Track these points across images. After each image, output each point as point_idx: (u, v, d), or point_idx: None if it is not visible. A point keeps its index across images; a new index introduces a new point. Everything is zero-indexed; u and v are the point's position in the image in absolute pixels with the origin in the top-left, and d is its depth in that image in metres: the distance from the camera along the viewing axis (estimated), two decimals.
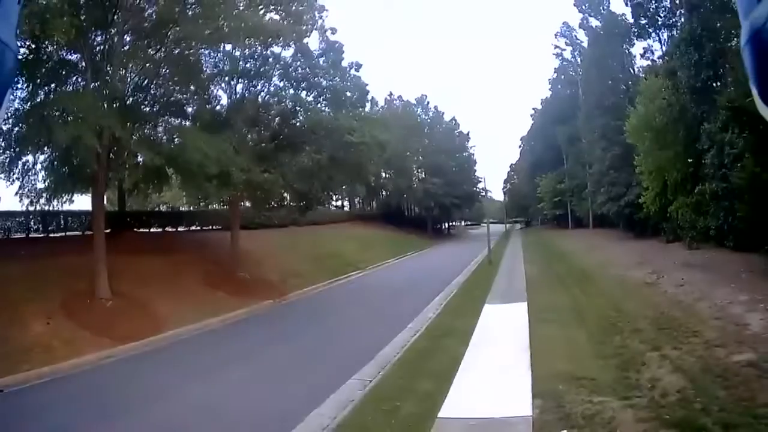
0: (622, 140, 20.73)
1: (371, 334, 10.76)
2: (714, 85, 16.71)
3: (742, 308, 9.70)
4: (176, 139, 13.18)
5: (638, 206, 20.60)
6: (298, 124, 16.75)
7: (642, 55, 23.80)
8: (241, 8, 13.95)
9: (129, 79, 15.07)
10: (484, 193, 38.83)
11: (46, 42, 11.68)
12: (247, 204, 19.96)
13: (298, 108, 16.28)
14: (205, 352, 10.35)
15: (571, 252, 23.70)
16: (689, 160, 17.36)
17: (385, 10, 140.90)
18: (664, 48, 21.64)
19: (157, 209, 26.34)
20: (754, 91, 0.60)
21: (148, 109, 14.84)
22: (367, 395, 7.11)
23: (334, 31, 16.50)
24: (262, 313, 14.69)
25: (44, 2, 10.28)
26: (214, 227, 22.69)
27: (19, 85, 13.85)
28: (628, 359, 7.65)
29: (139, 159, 13.96)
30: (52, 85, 13.70)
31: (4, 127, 13.71)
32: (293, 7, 15.51)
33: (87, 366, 9.33)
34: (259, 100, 16.91)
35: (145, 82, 15.52)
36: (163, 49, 14.49)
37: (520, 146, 59.79)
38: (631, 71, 24.58)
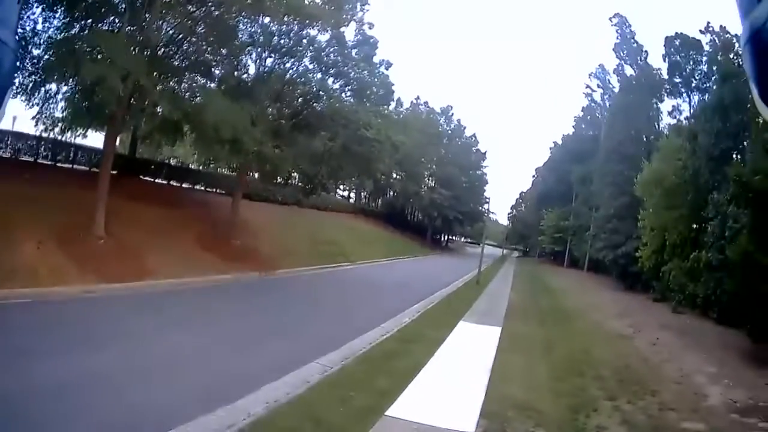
0: (631, 191, 20.80)
1: (344, 325, 10.97)
2: (733, 156, 16.78)
3: (706, 379, 9.80)
4: (197, 98, 13.37)
5: (634, 259, 20.66)
6: (319, 108, 16.93)
7: (669, 113, 23.93)
8: None
9: (164, 31, 15.36)
10: (487, 214, 38.64)
11: None
12: (255, 175, 20.23)
13: (321, 93, 16.44)
14: (177, 307, 10.60)
15: (559, 290, 23.79)
16: (692, 225, 17.43)
17: (426, 16, 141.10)
18: (691, 110, 21.70)
19: (167, 162, 26.66)
20: (754, 91, 0.60)
21: (177, 63, 15.10)
22: (323, 380, 7.32)
23: (371, 25, 16.76)
24: (244, 282, 14.93)
25: None
26: (218, 191, 22.99)
27: (57, 14, 14.25)
28: (582, 402, 7.77)
29: (159, 109, 14.22)
30: (89, 21, 14.02)
31: (34, 52, 14.04)
32: None
33: (66, 296, 9.58)
34: (287, 77, 17.16)
35: (180, 36, 15.83)
36: (202, 8, 14.76)
37: (533, 176, 59.91)
38: (656, 126, 24.61)
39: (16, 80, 13.84)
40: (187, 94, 14.51)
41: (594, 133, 34.20)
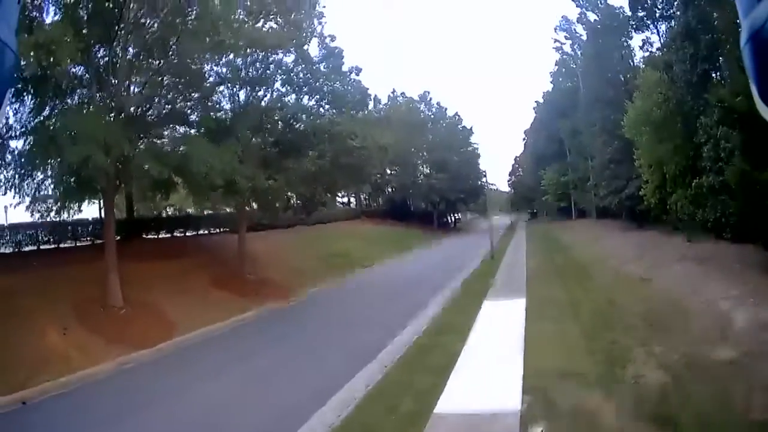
0: (621, 134, 20.81)
1: (373, 332, 11.26)
2: (713, 77, 16.77)
3: (731, 303, 9.96)
4: (182, 149, 13.61)
5: (639, 199, 20.74)
6: (300, 128, 17.13)
7: (641, 47, 23.75)
8: (241, 19, 14.26)
9: (133, 91, 15.53)
10: (486, 187, 38.84)
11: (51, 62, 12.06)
12: (254, 206, 20.45)
13: (298, 113, 16.64)
14: (209, 355, 10.81)
15: (572, 244, 23.95)
16: (688, 153, 17.46)
17: (385, 8, 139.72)
18: (661, 40, 21.59)
19: (165, 213, 26.94)
20: (754, 91, 0.61)
21: (152, 119, 15.30)
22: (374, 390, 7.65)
23: (333, 38, 16.87)
24: (267, 315, 15.18)
25: (48, 31, 10.62)
26: (221, 230, 23.30)
27: (26, 101, 14.44)
28: (616, 355, 8.03)
29: (147, 169, 14.40)
30: (58, 101, 14.19)
31: (12, 144, 14.21)
32: (292, 16, 15.86)
33: (102, 375, 9.61)
34: (263, 105, 17.34)
35: (150, 92, 16.00)
36: (165, 62, 14.90)
37: (524, 139, 59.74)
38: (631, 64, 24.49)
39: (1, 175, 14.02)
40: (170, 148, 14.66)
41: (572, 85, 34.07)
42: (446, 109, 48.58)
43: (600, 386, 6.86)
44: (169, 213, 27.33)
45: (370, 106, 43.33)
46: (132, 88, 15.66)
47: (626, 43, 24.50)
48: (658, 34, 22.37)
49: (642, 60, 24.07)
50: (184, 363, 10.37)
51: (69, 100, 14.64)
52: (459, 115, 49.41)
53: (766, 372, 6.73)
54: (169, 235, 21.38)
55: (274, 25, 15.52)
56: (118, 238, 18.49)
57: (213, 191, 13.73)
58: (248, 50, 15.40)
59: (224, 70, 16.76)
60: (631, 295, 11.77)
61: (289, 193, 16.79)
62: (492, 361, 8.39)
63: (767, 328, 8.37)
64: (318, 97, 17.99)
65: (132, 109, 15.39)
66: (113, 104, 14.20)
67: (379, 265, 24.70)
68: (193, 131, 16.90)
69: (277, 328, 13.00)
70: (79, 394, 8.57)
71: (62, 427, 7.28)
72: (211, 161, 12.58)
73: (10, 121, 14.89)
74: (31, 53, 10.42)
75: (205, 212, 23.89)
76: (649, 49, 23.01)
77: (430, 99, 47.99)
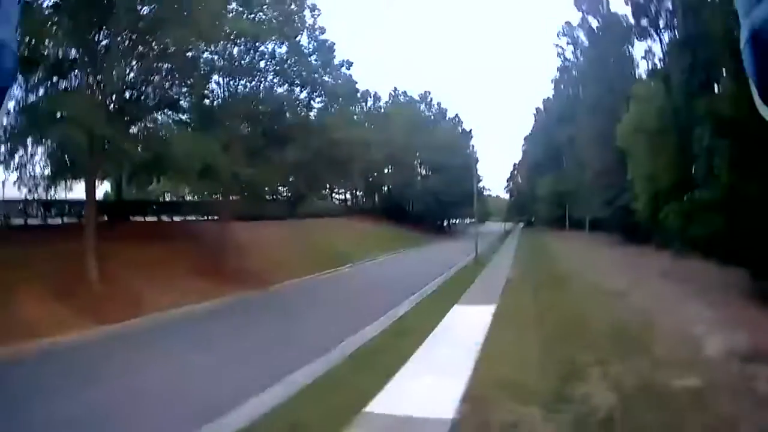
0: (616, 144, 20.44)
1: (332, 326, 11.19)
2: (710, 88, 16.36)
3: (705, 326, 9.60)
4: (162, 133, 13.60)
5: (631, 211, 20.36)
6: (288, 119, 17.03)
7: (643, 57, 23.28)
8: (230, 9, 14.17)
9: (124, 77, 15.56)
10: (482, 193, 38.51)
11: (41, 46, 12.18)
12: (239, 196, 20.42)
13: (286, 105, 16.54)
14: (176, 336, 10.92)
15: (559, 255, 23.61)
16: (681, 166, 17.07)
17: (389, 7, 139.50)
18: (663, 51, 21.13)
19: (159, 198, 27.10)
20: (754, 91, 0.60)
21: (138, 106, 15.31)
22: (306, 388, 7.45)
23: (322, 30, 16.71)
24: (242, 301, 15.20)
25: (39, 18, 10.65)
26: (209, 218, 23.27)
27: (15, 84, 14.57)
28: (569, 372, 7.72)
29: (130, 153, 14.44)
30: (47, 84, 14.32)
31: (4, 121, 14.44)
32: (285, 6, 15.72)
33: (69, 343, 9.99)
34: (252, 94, 17.25)
35: (140, 78, 16.02)
36: (156, 49, 14.89)
37: (523, 146, 59.21)
38: (632, 73, 24.00)
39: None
40: (153, 132, 14.65)
41: (573, 92, 33.57)
42: (446, 110, 48.36)
43: (543, 403, 6.59)
44: (164, 198, 27.52)
45: (369, 102, 43.74)
46: (122, 72, 15.79)
47: (628, 52, 24.05)
48: (661, 44, 21.94)
49: (645, 71, 23.67)
50: (141, 342, 10.45)
51: (59, 83, 14.87)
52: (459, 118, 49.13)
53: (727, 407, 6.38)
54: (155, 219, 21.50)
55: (263, 16, 15.34)
56: (105, 218, 18.75)
57: (191, 176, 13.61)
58: (238, 39, 15.32)
59: (215, 57, 16.77)
60: (603, 310, 11.45)
61: (268, 185, 16.63)
62: (441, 367, 8.17)
63: (737, 359, 8.01)
64: (310, 89, 17.90)
65: (123, 93, 15.51)
66: (101, 89, 14.24)
67: (364, 262, 24.59)
68: (183, 117, 16.96)
69: (237, 319, 12.91)
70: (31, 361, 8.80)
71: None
72: (190, 146, 12.53)
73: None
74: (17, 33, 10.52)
75: (196, 198, 24.00)
76: (651, 59, 22.59)
77: (431, 99, 47.78)
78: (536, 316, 11.38)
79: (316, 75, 17.01)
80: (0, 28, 0.65)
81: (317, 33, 16.83)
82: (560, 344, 8.96)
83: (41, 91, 14.48)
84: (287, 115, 17.25)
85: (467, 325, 10.89)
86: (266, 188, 17.16)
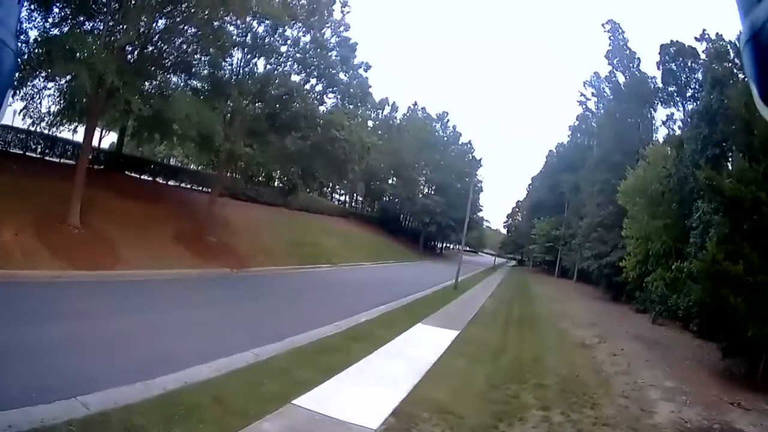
0: (617, 200, 20.34)
1: (296, 320, 10.91)
2: (720, 163, 16.25)
3: (661, 394, 9.38)
4: (167, 93, 13.63)
5: (619, 269, 20.13)
6: (295, 108, 17.05)
7: (664, 123, 23.33)
8: None
9: (148, 31, 15.71)
10: (481, 222, 38.41)
11: None
12: (237, 174, 20.38)
13: (297, 94, 16.57)
14: (138, 296, 10.87)
15: (538, 298, 23.34)
16: (676, 234, 16.90)
17: (426, 26, 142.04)
18: (685, 119, 21.14)
19: (153, 159, 27.08)
20: (754, 92, 0.60)
21: (155, 63, 15.40)
22: (247, 367, 7.29)
23: (347, 27, 16.83)
24: (211, 277, 15.05)
25: None
26: (204, 189, 23.26)
27: (41, 14, 14.76)
28: (511, 410, 7.49)
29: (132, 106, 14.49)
30: (72, 21, 14.50)
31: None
32: None
33: (34, 278, 10.15)
34: (268, 76, 17.31)
35: (163, 36, 16.16)
36: (183, 9, 15.05)
37: (529, 185, 59.27)
38: (651, 135, 23.98)
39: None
40: (160, 92, 14.68)
41: (588, 142, 33.69)
42: (461, 135, 48.54)
43: None
44: (166, 162, 27.54)
45: (386, 110, 43.99)
46: (148, 27, 15.95)
47: (649, 114, 24.10)
48: (684, 113, 21.98)
49: (665, 136, 23.62)
50: (100, 292, 10.49)
51: (84, 23, 15.04)
52: (471, 145, 49.30)
53: None
54: (151, 179, 21.49)
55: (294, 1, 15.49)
56: (102, 167, 18.77)
57: (186, 141, 13.59)
58: (265, 19, 15.43)
59: (240, 32, 16.89)
60: (564, 358, 11.20)
61: (261, 166, 16.58)
62: (384, 377, 7.96)
63: (685, 431, 7.76)
64: (326, 83, 17.98)
65: (144, 47, 15.64)
66: (119, 37, 14.36)
67: (345, 265, 24.37)
68: (197, 83, 17.03)
69: (202, 294, 12.74)
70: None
71: None
72: (191, 111, 12.53)
73: (25, 26, 15.47)
74: None
75: (197, 168, 24.04)
76: (671, 126, 22.63)
77: (448, 121, 48.01)
78: (495, 351, 11.11)
79: (333, 70, 17.08)
80: (0, 28, 0.64)
81: (342, 29, 16.93)
82: (509, 385, 8.69)
83: (65, 29, 14.71)
84: (296, 104, 17.29)
85: (424, 346, 10.64)
86: (261, 171, 17.05)
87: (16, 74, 14.92)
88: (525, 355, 11.06)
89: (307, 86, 17.46)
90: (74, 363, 6.07)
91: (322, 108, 17.06)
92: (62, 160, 17.83)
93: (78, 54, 12.52)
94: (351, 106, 18.26)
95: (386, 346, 9.88)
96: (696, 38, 21.31)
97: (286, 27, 16.47)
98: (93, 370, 5.86)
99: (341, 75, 17.26)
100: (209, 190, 22.86)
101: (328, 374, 7.46)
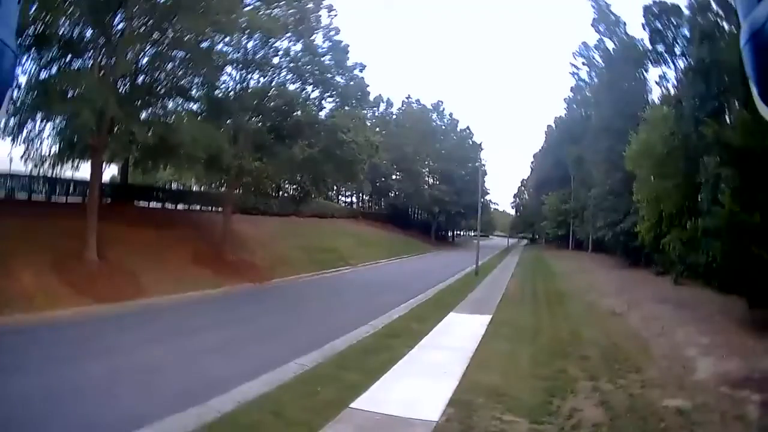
0: (624, 166, 20.37)
1: (330, 325, 11.06)
2: (720, 116, 16.28)
3: (698, 351, 9.49)
4: (170, 119, 13.70)
5: (634, 234, 20.18)
6: (297, 116, 17.13)
7: (657, 83, 23.29)
8: (247, 3, 14.33)
9: (137, 61, 15.71)
10: (489, 206, 38.55)
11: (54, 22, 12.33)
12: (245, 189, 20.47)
13: (297, 102, 16.64)
14: (167, 321, 10.96)
15: (558, 273, 23.46)
16: (687, 193, 16.93)
17: (408, 16, 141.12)
18: (678, 76, 21.11)
19: (166, 186, 27.19)
20: (754, 91, 0.61)
21: (150, 92, 15.43)
22: (295, 378, 7.41)
23: (337, 31, 16.86)
24: (237, 293, 15.20)
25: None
26: (213, 209, 23.35)
27: (30, 57, 14.76)
28: (560, 384, 7.63)
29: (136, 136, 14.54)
30: (61, 61, 14.49)
31: (15, 94, 14.57)
32: (302, 4, 15.89)
33: (62, 318, 10.14)
34: (264, 89, 17.37)
35: (153, 64, 16.18)
36: (170, 36, 15.05)
37: (532, 162, 59.23)
38: (645, 97, 23.97)
39: (1, 121, 14.42)
40: (162, 118, 14.76)
41: (585, 113, 33.69)
42: (458, 121, 48.56)
43: (530, 414, 6.49)
44: (170, 187, 27.61)
45: (382, 107, 43.96)
46: (138, 57, 15.95)
47: (642, 76, 24.07)
48: (675, 71, 21.90)
49: (659, 96, 23.62)
50: (136, 324, 10.51)
51: (73, 61, 15.04)
52: (470, 130, 49.24)
53: (712, 429, 6.27)
54: (160, 206, 21.61)
55: (280, 12, 15.51)
56: (109, 201, 18.86)
57: (197, 164, 13.69)
58: (254, 33, 15.47)
59: (229, 49, 16.93)
60: (597, 328, 11.35)
61: (271, 179, 16.68)
62: (431, 369, 8.10)
63: (728, 383, 7.88)
64: (323, 88, 18.02)
65: (135, 77, 15.67)
66: (114, 70, 14.39)
67: (362, 265, 24.52)
68: (193, 106, 17.08)
69: (229, 312, 12.85)
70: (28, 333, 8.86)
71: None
72: (196, 134, 12.61)
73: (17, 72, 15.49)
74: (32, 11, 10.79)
75: (201, 189, 24.12)
76: (665, 85, 22.56)
77: (443, 109, 48.01)
78: (530, 330, 11.25)
79: (329, 75, 17.14)
80: (0, 28, 0.64)
81: (332, 33, 17.00)
82: (552, 360, 8.83)
83: (54, 69, 14.70)
84: (297, 112, 17.35)
85: (461, 334, 10.78)
86: (271, 183, 17.16)
87: (14, 120, 15.04)
88: (561, 330, 11.21)
89: (305, 94, 17.48)
90: (121, 399, 6.06)
91: (322, 113, 17.09)
92: (68, 200, 17.92)
93: (75, 92, 12.61)
94: (347, 108, 18.26)
95: (425, 339, 10.03)
96: None
97: (276, 39, 16.49)
98: (144, 406, 5.83)
99: (337, 78, 17.29)
100: (218, 209, 23.09)
101: (376, 374, 7.59)
